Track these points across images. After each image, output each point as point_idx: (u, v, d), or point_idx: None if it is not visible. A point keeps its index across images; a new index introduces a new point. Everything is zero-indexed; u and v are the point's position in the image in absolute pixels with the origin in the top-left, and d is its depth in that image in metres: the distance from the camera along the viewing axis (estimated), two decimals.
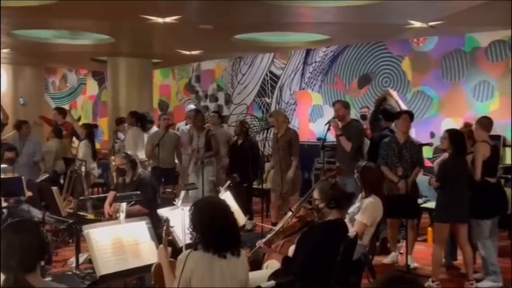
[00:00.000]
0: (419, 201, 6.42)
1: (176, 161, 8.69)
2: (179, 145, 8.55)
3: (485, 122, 5.59)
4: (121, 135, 9.13)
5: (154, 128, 9.29)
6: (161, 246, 3.30)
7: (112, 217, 5.42)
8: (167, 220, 3.39)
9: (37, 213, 6.11)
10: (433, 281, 5.27)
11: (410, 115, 6.33)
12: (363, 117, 8.87)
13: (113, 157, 8.50)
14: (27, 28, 8.87)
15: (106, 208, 5.76)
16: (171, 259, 3.21)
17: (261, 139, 9.98)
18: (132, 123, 9.11)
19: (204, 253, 2.96)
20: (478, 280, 5.41)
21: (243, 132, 8.05)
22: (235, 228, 3.11)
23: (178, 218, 4.04)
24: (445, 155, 5.54)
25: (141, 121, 9.07)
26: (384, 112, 7.16)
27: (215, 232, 2.97)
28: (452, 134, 5.36)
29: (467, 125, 6.54)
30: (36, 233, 2.47)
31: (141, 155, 8.76)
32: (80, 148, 8.72)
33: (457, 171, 5.27)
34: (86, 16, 7.38)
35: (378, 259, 6.03)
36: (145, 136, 8.91)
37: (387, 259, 6.19)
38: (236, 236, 3.09)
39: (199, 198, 3.82)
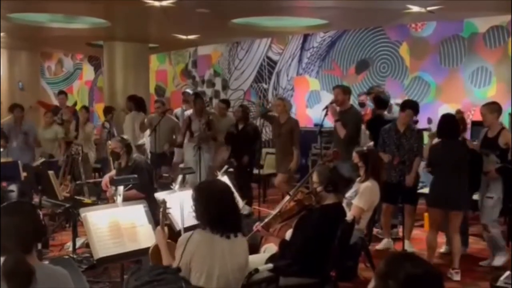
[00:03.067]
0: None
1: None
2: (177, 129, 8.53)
3: (497, 108, 5.46)
4: (107, 124, 9.09)
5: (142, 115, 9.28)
6: (159, 227, 3.30)
7: (109, 195, 5.45)
8: (164, 202, 3.38)
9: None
10: None
11: (414, 110, 6.21)
12: (361, 104, 8.85)
13: (109, 142, 8.49)
14: (22, 12, 8.78)
15: (105, 180, 5.75)
16: (169, 241, 3.22)
17: (259, 125, 9.96)
18: (131, 107, 9.08)
19: (205, 235, 2.99)
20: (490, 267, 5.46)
21: (243, 117, 8.02)
22: (238, 210, 3.20)
23: (176, 202, 4.02)
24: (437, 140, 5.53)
25: (139, 105, 9.03)
26: (376, 99, 7.13)
27: (221, 213, 3.02)
28: (440, 119, 5.37)
29: (458, 112, 6.50)
30: (32, 214, 2.46)
31: (140, 139, 8.77)
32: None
33: (446, 156, 5.18)
34: None
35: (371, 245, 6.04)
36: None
37: (380, 245, 6.17)
38: (239, 217, 3.17)
39: (196, 183, 3.82)
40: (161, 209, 3.37)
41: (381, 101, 7.01)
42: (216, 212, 3.01)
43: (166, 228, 3.32)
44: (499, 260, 5.45)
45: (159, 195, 4.41)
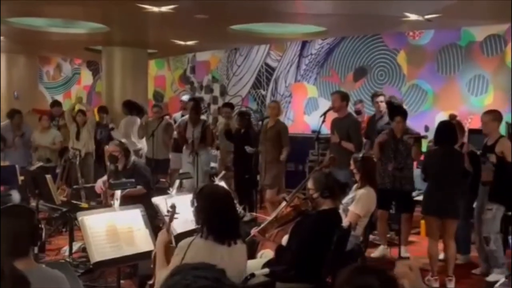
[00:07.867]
0: (413, 193, 6.41)
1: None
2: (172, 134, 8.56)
3: (498, 116, 5.43)
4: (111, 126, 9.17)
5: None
6: (164, 230, 3.25)
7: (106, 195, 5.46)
8: (173, 206, 3.35)
9: (17, 198, 6.17)
10: (432, 276, 5.20)
11: (402, 117, 6.15)
12: (358, 112, 8.86)
13: (107, 146, 8.50)
14: (21, 16, 8.81)
15: (99, 184, 5.74)
16: (171, 245, 3.21)
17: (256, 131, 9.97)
18: (126, 112, 9.08)
19: (205, 241, 2.98)
20: (484, 275, 5.43)
21: (244, 123, 8.02)
22: (238, 217, 3.22)
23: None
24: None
25: (135, 110, 9.03)
26: (388, 105, 7.03)
27: (223, 220, 3.02)
28: (438, 125, 5.38)
29: (452, 117, 6.45)
30: (28, 217, 2.47)
31: (136, 143, 8.77)
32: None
33: (441, 163, 5.16)
34: (80, 3, 7.33)
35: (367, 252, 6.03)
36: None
37: (375, 253, 6.16)
38: (238, 224, 3.18)
39: (194, 188, 3.80)
40: (162, 214, 3.33)
41: (395, 108, 6.96)
42: (221, 219, 3.02)
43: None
44: (495, 277, 5.28)
45: (156, 200, 4.43)
